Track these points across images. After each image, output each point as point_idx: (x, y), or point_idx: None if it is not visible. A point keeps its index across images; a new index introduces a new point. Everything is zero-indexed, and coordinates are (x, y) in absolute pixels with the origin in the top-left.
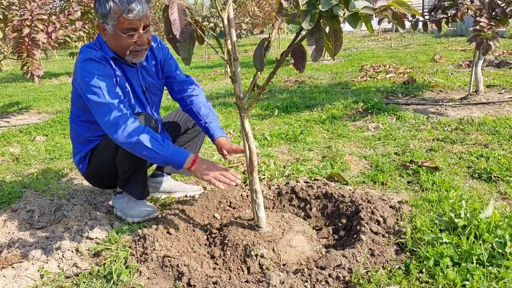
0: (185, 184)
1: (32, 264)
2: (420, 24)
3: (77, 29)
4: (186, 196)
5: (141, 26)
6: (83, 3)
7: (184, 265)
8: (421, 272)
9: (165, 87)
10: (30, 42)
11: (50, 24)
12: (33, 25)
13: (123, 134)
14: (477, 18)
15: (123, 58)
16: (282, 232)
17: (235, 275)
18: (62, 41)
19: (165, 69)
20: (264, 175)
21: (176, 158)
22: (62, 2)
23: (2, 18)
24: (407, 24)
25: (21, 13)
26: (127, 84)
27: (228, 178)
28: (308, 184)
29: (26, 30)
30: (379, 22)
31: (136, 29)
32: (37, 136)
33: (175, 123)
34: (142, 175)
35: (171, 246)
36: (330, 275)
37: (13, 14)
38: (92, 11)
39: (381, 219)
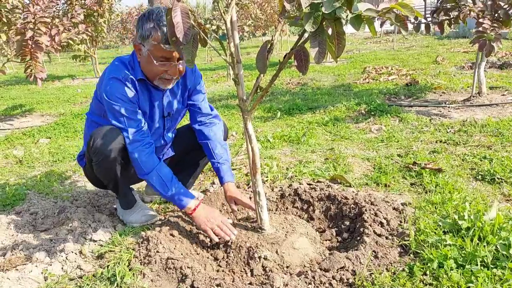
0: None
1: (36, 266)
2: (423, 26)
3: (80, 32)
4: None
5: (176, 57)
6: (86, 6)
7: (188, 267)
8: (425, 274)
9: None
10: (33, 45)
11: (53, 27)
12: (36, 28)
13: (136, 166)
14: (480, 20)
15: (150, 80)
16: (286, 234)
17: (239, 277)
18: (65, 44)
19: (193, 96)
20: (267, 177)
21: (178, 201)
22: (65, 5)
23: (5, 21)
24: (410, 26)
25: (24, 16)
26: (147, 108)
27: (224, 231)
28: (311, 186)
29: (29, 33)
30: (381, 24)
31: (169, 59)
32: (40, 138)
33: (184, 140)
34: (122, 187)
35: (174, 248)
36: (333, 277)
37: (17, 17)
38: (95, 13)
39: (384, 221)
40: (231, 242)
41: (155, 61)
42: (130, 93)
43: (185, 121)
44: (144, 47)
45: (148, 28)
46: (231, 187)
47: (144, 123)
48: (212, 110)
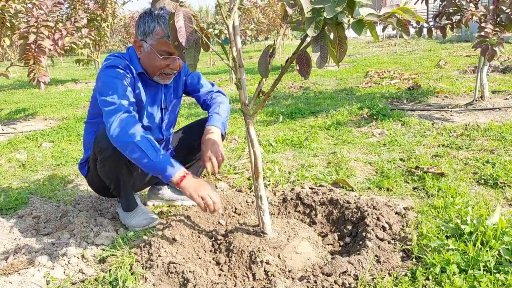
0: None
1: (38, 270)
2: (425, 30)
3: (83, 36)
4: (183, 205)
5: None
6: (89, 11)
7: (190, 271)
8: (427, 279)
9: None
10: (36, 49)
11: (57, 31)
12: (39, 31)
13: (121, 132)
14: (482, 24)
15: (149, 76)
16: (288, 239)
17: (241, 282)
18: (68, 48)
19: (188, 82)
20: (269, 181)
21: (166, 169)
22: (69, 9)
23: (9, 25)
24: (412, 31)
25: (27, 20)
26: (144, 98)
27: (209, 205)
28: (313, 190)
29: (32, 37)
30: (384, 29)
31: (172, 53)
32: (43, 142)
33: (183, 139)
34: (124, 188)
35: (176, 253)
36: (336, 282)
37: (20, 21)
38: (98, 18)
39: (386, 226)
40: (233, 246)
41: (158, 55)
42: (127, 77)
43: (184, 121)
44: (146, 43)
45: (151, 25)
46: (207, 130)
47: (135, 108)
48: (212, 86)
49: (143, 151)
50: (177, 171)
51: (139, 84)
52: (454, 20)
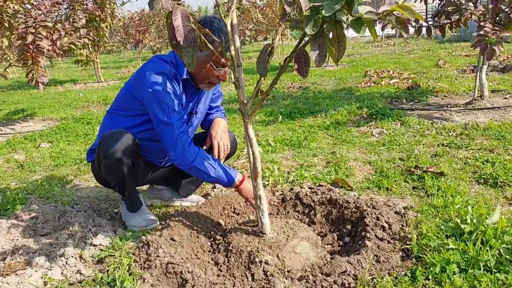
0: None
1: (36, 271)
2: (424, 29)
3: (82, 36)
4: (182, 205)
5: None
6: (88, 11)
7: (188, 272)
8: (427, 278)
9: None
10: (34, 50)
11: (55, 31)
12: (37, 32)
13: (181, 157)
14: (481, 24)
15: (195, 82)
16: (287, 239)
17: (239, 282)
18: (67, 48)
19: (214, 99)
20: (268, 181)
21: (226, 178)
22: (68, 10)
23: (7, 26)
24: (411, 30)
25: (25, 20)
26: (184, 103)
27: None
28: (313, 190)
29: (30, 38)
30: (383, 28)
31: (225, 65)
32: (41, 143)
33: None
34: (129, 191)
35: (175, 253)
36: (335, 282)
37: (19, 22)
38: (97, 18)
39: (386, 225)
40: (232, 247)
41: (214, 66)
42: (176, 87)
43: None
44: (200, 51)
45: (212, 36)
46: (216, 121)
47: (184, 120)
48: (220, 106)
49: (203, 172)
50: (236, 177)
51: (182, 89)
52: (453, 20)
